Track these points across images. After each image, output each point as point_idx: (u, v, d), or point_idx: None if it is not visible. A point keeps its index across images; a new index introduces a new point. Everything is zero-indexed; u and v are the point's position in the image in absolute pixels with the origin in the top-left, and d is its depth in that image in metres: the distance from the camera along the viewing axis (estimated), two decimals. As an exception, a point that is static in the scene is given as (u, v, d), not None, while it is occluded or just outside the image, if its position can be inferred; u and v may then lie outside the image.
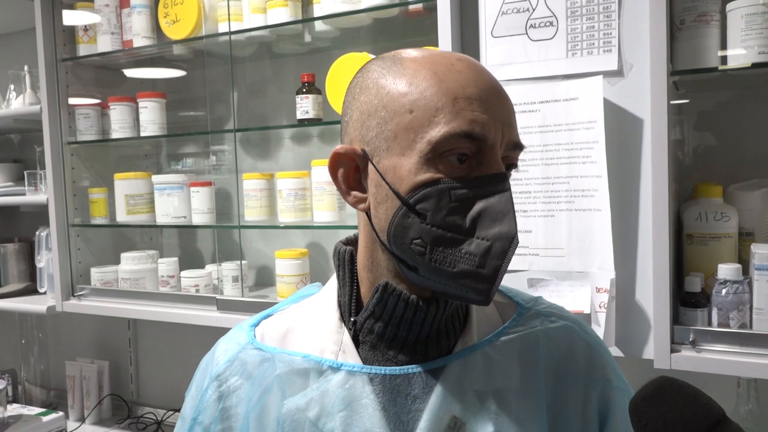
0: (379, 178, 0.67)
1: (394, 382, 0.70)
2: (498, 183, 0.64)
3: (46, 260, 2.21)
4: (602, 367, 0.75)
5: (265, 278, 2.08)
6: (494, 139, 0.64)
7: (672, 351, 1.23)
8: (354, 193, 0.71)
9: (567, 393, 0.72)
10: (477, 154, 0.64)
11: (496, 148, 0.65)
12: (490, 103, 0.65)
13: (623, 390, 0.75)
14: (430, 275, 0.66)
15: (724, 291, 1.22)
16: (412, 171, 0.64)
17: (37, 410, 2.04)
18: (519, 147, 0.68)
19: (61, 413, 2.03)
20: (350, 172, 0.71)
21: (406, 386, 0.70)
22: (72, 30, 2.10)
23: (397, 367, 0.70)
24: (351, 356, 0.72)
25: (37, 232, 2.23)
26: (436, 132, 0.63)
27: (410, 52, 0.69)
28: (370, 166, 0.68)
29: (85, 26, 2.07)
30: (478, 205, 0.64)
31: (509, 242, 0.63)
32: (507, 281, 1.36)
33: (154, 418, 2.29)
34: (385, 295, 0.70)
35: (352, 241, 0.78)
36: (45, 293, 2.25)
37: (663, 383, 0.59)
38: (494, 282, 0.64)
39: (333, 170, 0.71)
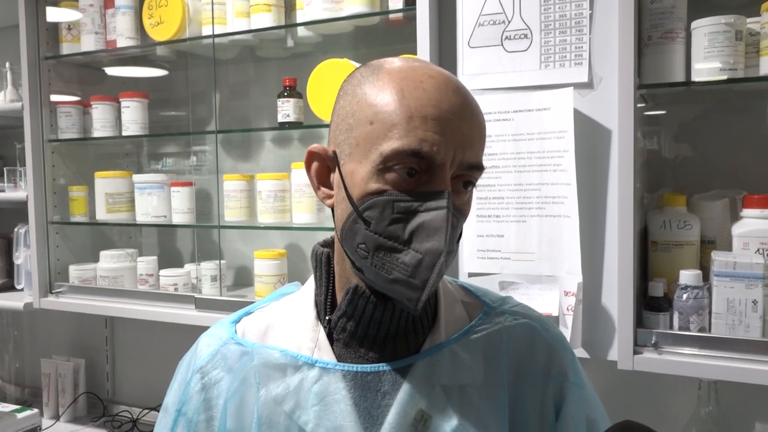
0: (341, 181, 0.72)
1: (365, 378, 0.74)
2: (438, 200, 0.67)
3: (24, 257, 2.21)
4: (560, 364, 0.79)
5: (243, 278, 2.10)
6: (443, 159, 0.67)
7: (635, 353, 1.28)
8: (323, 189, 0.76)
9: (527, 388, 0.77)
10: (427, 170, 0.68)
11: (444, 168, 0.68)
12: (448, 124, 0.67)
13: (579, 386, 0.79)
14: (371, 277, 0.71)
15: (685, 296, 1.27)
16: (365, 179, 0.69)
17: (11, 407, 2.04)
18: (477, 168, 0.70)
19: (35, 410, 2.03)
20: (322, 169, 0.75)
21: (377, 383, 0.74)
22: (55, 28, 2.11)
23: (369, 365, 0.74)
24: (326, 353, 0.76)
25: (16, 229, 2.23)
26: (387, 146, 0.67)
27: (391, 63, 0.72)
28: (337, 167, 0.73)
29: (69, 25, 2.08)
30: (417, 219, 0.67)
31: (437, 257, 0.66)
32: (480, 283, 1.40)
33: (130, 416, 2.29)
34: (355, 296, 0.74)
35: (329, 243, 0.81)
36: (22, 290, 2.25)
37: (624, 426, 0.63)
38: (422, 292, 0.67)
39: (307, 165, 0.76)
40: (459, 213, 0.71)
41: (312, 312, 0.79)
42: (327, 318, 0.77)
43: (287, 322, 0.80)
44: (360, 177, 0.69)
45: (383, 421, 0.72)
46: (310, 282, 0.82)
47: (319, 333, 0.77)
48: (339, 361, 0.75)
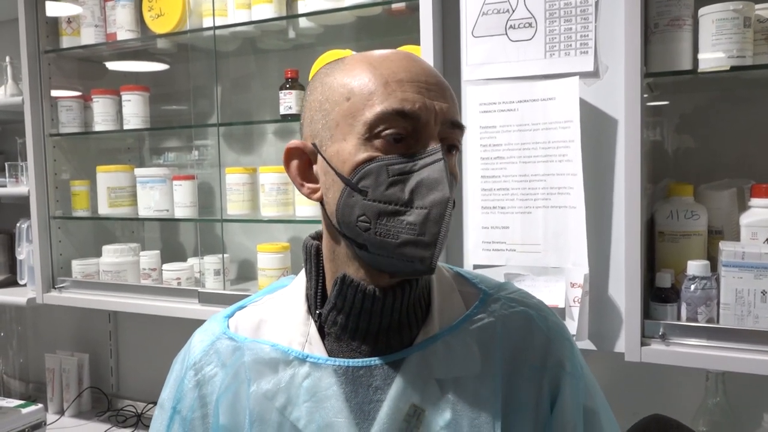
0: (327, 165, 0.71)
1: (357, 373, 0.73)
2: (431, 155, 0.68)
3: (27, 252, 2.20)
4: (557, 355, 0.77)
5: (246, 272, 2.09)
6: (427, 117, 0.68)
7: (642, 344, 1.26)
8: (307, 184, 0.75)
9: (522, 379, 0.75)
10: (413, 133, 0.69)
11: (430, 125, 0.69)
12: (423, 85, 0.69)
13: (575, 376, 0.77)
14: (377, 250, 0.69)
15: (692, 287, 1.26)
16: (353, 152, 0.69)
17: (16, 402, 2.03)
18: (458, 126, 0.72)
19: (40, 405, 2.02)
20: (303, 165, 0.75)
21: (369, 377, 0.73)
22: (55, 21, 2.09)
23: (360, 359, 0.73)
24: (317, 348, 0.75)
25: (18, 224, 2.22)
26: (370, 113, 0.68)
27: (353, 54, 0.75)
28: (319, 156, 0.73)
29: (69, 18, 2.06)
30: (415, 178, 0.67)
31: (444, 207, 0.66)
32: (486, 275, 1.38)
33: (134, 410, 2.29)
34: (343, 287, 0.73)
35: (321, 236, 0.80)
36: (25, 285, 2.24)
37: (650, 421, 0.62)
38: (435, 248, 0.67)
39: (286, 164, 0.76)
40: (451, 176, 0.70)
41: (303, 306, 0.78)
42: (318, 312, 0.76)
43: (279, 316, 0.80)
44: (347, 152, 0.70)
45: (375, 416, 0.71)
46: (301, 275, 0.81)
47: (310, 327, 0.76)
48: (331, 355, 0.74)
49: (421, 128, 0.68)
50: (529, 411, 0.75)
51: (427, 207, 0.67)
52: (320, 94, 0.73)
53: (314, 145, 0.73)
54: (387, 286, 0.73)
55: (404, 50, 0.75)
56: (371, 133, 0.68)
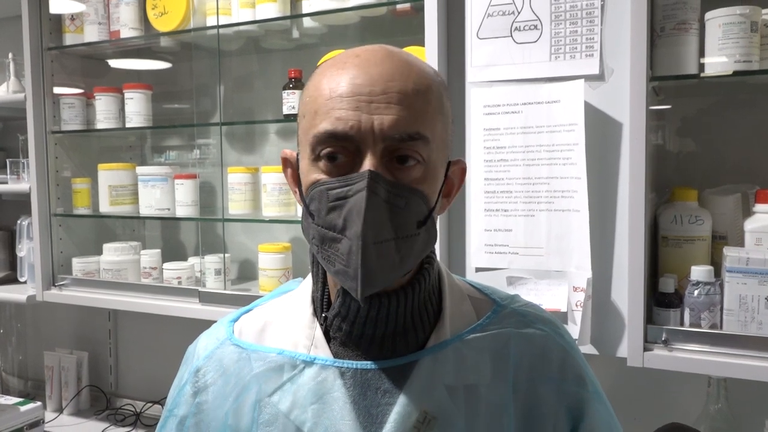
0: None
1: (365, 376, 0.71)
2: (359, 182, 0.64)
3: (27, 249, 2.20)
4: (576, 368, 0.76)
5: (247, 271, 2.08)
6: (360, 136, 0.64)
7: (645, 350, 1.26)
8: (298, 191, 0.75)
9: (540, 392, 0.74)
10: (354, 152, 0.66)
11: (365, 145, 0.65)
12: (364, 98, 0.65)
13: (596, 393, 0.77)
14: (328, 271, 0.70)
15: (696, 292, 1.25)
16: (305, 173, 0.69)
17: (14, 399, 2.03)
18: (411, 138, 0.65)
19: (39, 403, 2.02)
20: (293, 173, 0.76)
21: (377, 380, 0.71)
22: (58, 19, 2.09)
23: (369, 362, 0.72)
24: (322, 351, 0.74)
25: (19, 221, 2.22)
26: (312, 133, 0.67)
27: (339, 53, 0.72)
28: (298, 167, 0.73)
29: (72, 15, 2.06)
30: (348, 205, 0.65)
31: (358, 241, 0.63)
32: (488, 278, 1.38)
33: (133, 409, 2.28)
34: (347, 298, 0.72)
35: None
36: (25, 282, 2.24)
37: (670, 430, 0.61)
38: (356, 281, 0.64)
39: (284, 170, 0.77)
40: (404, 192, 0.65)
41: (308, 309, 0.77)
42: (323, 315, 0.75)
43: (284, 319, 0.79)
44: (303, 171, 0.70)
45: (383, 420, 0.70)
46: (308, 279, 0.80)
47: (315, 330, 0.75)
48: (337, 358, 0.73)
49: (360, 148, 0.65)
50: (547, 422, 0.73)
51: (351, 239, 0.64)
52: (300, 104, 0.73)
53: (297, 155, 0.74)
54: (390, 291, 0.72)
55: (371, 50, 0.68)
56: (315, 154, 0.67)
